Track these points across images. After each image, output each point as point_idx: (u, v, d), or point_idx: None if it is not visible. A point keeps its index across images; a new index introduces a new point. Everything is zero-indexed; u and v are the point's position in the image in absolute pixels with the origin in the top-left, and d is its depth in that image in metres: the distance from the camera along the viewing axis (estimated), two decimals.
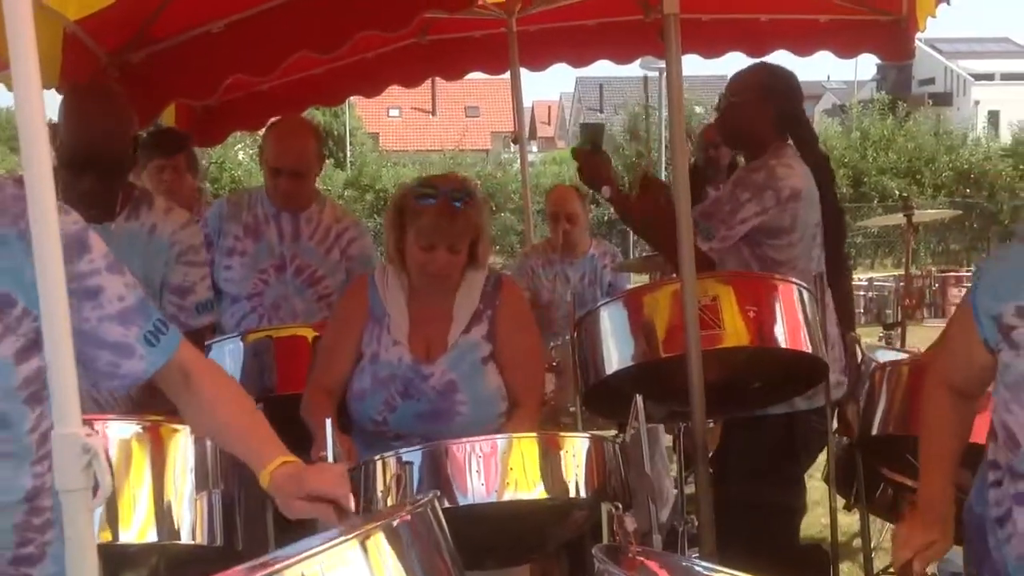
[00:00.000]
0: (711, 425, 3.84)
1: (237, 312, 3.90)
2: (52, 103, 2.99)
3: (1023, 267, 2.09)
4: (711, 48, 5.49)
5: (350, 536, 1.50)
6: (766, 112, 3.56)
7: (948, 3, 4.60)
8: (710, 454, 3.43)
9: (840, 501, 3.71)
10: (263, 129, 5.90)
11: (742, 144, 3.78)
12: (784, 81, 3.66)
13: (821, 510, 4.64)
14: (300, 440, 3.26)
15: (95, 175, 2.99)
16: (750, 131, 3.61)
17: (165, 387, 1.94)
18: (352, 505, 1.81)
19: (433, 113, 51.34)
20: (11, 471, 1.76)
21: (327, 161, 28.15)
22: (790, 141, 3.62)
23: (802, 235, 3.51)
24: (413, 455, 2.50)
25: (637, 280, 6.64)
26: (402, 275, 3.05)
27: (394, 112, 49.74)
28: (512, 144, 36.12)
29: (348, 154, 34.89)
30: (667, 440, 5.03)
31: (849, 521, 4.66)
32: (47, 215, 1.31)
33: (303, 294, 3.90)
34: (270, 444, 1.88)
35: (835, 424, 3.55)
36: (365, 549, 1.52)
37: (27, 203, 1.32)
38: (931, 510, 2.20)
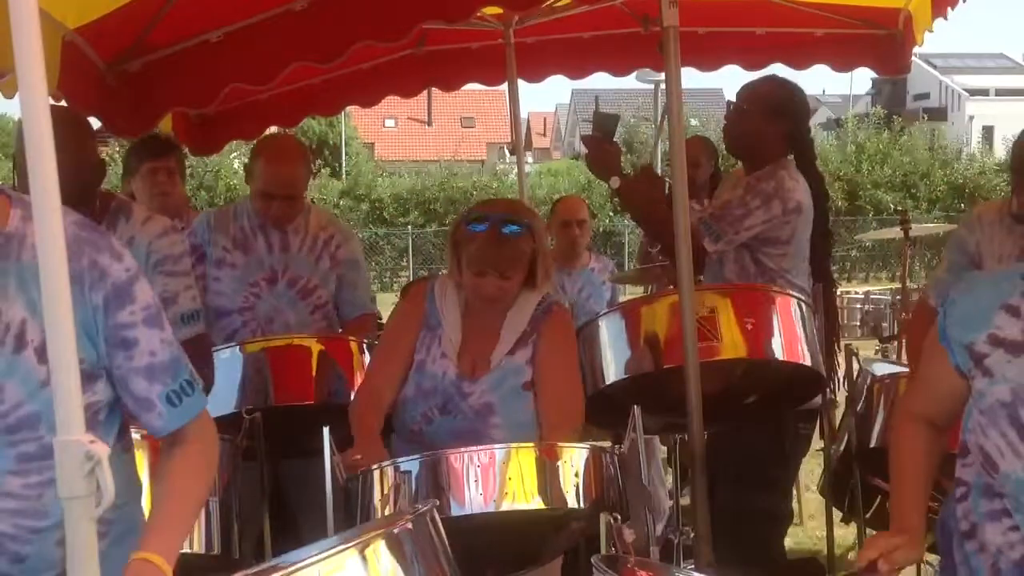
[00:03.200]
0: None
1: (228, 326, 3.84)
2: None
3: (992, 297, 2.12)
4: (708, 61, 5.50)
5: (350, 544, 1.50)
6: (777, 128, 3.58)
7: (945, 18, 4.62)
8: None
9: (836, 514, 3.72)
10: (259, 137, 5.92)
11: (745, 153, 3.77)
12: (797, 99, 3.69)
13: (816, 523, 4.64)
14: (297, 443, 3.28)
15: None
16: (756, 143, 3.62)
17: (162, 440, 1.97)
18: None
19: (429, 123, 51.40)
20: (55, 496, 1.76)
21: (323, 171, 27.98)
22: (790, 157, 3.64)
23: (796, 249, 3.54)
24: (411, 464, 2.50)
25: (633, 291, 6.65)
26: (460, 290, 3.06)
27: (390, 122, 49.77)
28: (509, 154, 36.14)
29: (343, 164, 34.88)
30: (662, 452, 5.04)
31: (843, 534, 4.67)
32: (52, 227, 1.32)
33: (296, 306, 3.87)
34: (157, 537, 1.84)
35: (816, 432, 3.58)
36: (364, 557, 1.53)
37: (33, 215, 1.33)
38: (901, 519, 2.22)
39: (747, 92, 3.68)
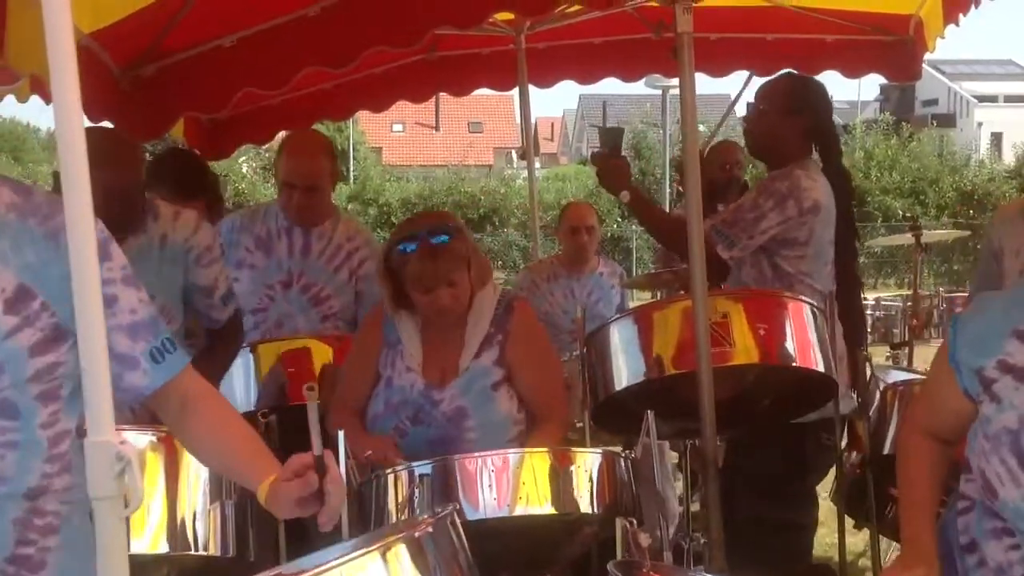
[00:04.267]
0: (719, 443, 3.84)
1: None
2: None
3: (1002, 322, 2.09)
4: (718, 67, 5.50)
5: (372, 547, 1.50)
6: (796, 124, 3.56)
7: (957, 24, 4.62)
8: None
9: (848, 521, 3.71)
10: (270, 143, 5.93)
11: (766, 154, 3.74)
12: (815, 93, 3.66)
13: (828, 529, 4.63)
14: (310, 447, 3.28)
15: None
16: (776, 142, 3.60)
17: (161, 412, 1.96)
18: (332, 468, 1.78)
19: (437, 128, 51.43)
20: (15, 463, 1.76)
21: None
22: (815, 155, 3.62)
23: (816, 251, 3.52)
24: (425, 468, 2.50)
25: (642, 297, 6.65)
26: (414, 314, 3.07)
27: (398, 127, 49.82)
28: (519, 159, 36.15)
29: (352, 168, 34.93)
30: (673, 457, 5.04)
31: (855, 540, 4.66)
32: (85, 226, 1.33)
33: (308, 312, 3.89)
34: (266, 460, 1.89)
35: (844, 440, 3.55)
36: (386, 560, 1.53)
37: (64, 214, 1.34)
38: (913, 548, 2.20)
39: (763, 91, 3.68)
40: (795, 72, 3.81)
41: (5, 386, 1.75)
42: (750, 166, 6.16)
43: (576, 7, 4.73)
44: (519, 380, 3.05)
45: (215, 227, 4.10)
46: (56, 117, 1.31)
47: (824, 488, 3.93)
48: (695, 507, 4.41)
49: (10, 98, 4.09)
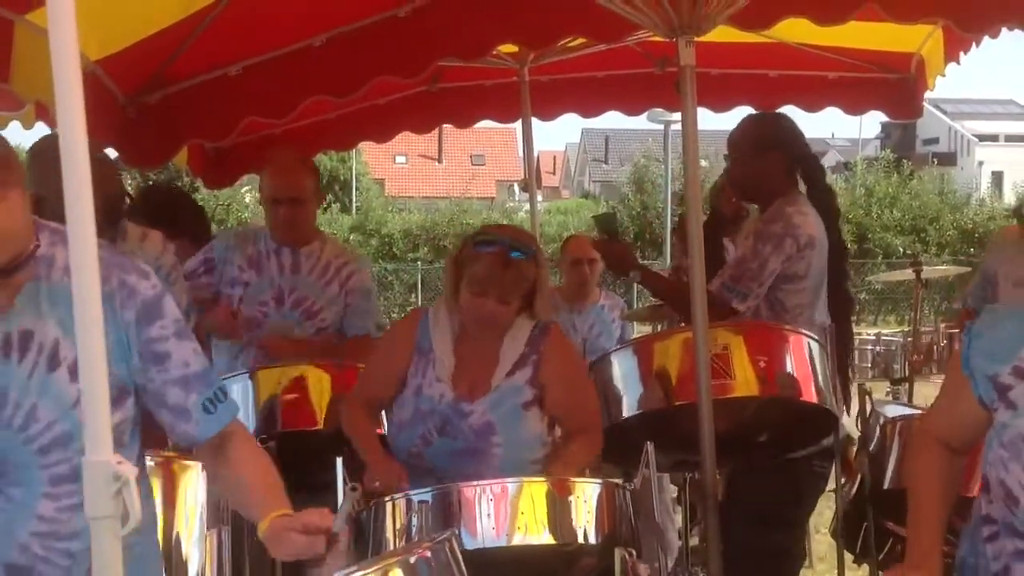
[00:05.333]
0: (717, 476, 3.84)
1: (236, 343, 3.91)
2: None
3: (1017, 330, 2.12)
4: (720, 101, 5.53)
5: (370, 570, 1.50)
6: (770, 162, 3.60)
7: (958, 62, 4.66)
8: None
9: (848, 556, 3.70)
10: None
11: (754, 196, 3.81)
12: (779, 126, 3.71)
13: (827, 565, 4.61)
14: (309, 475, 3.28)
15: None
16: (759, 183, 3.64)
17: (203, 450, 2.02)
18: (344, 541, 1.83)
19: (439, 160, 51.60)
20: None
21: (333, 205, 27.90)
22: (800, 186, 3.65)
23: (813, 283, 3.54)
24: (424, 496, 2.50)
25: (642, 330, 6.65)
26: (453, 316, 3.09)
27: (400, 159, 49.98)
28: (521, 191, 36.18)
29: (354, 199, 35.01)
30: (672, 491, 5.02)
31: None
32: (86, 250, 1.34)
33: (302, 326, 3.93)
34: (276, 497, 1.94)
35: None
36: None
37: (68, 237, 1.36)
38: (919, 551, 2.21)
39: (731, 141, 3.77)
40: (754, 113, 3.86)
41: (75, 453, 1.77)
42: None
43: (579, 40, 4.77)
44: (553, 398, 3.04)
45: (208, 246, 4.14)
46: (61, 145, 1.32)
47: (823, 524, 3.92)
48: (694, 541, 4.40)
49: (15, 124, 4.11)
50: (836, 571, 3.67)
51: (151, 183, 5.36)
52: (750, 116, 3.82)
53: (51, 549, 1.82)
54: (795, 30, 4.59)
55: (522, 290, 2.99)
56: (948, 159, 47.70)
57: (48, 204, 2.92)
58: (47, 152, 3.26)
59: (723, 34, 3.74)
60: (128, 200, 3.93)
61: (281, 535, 1.84)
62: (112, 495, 1.29)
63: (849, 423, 3.68)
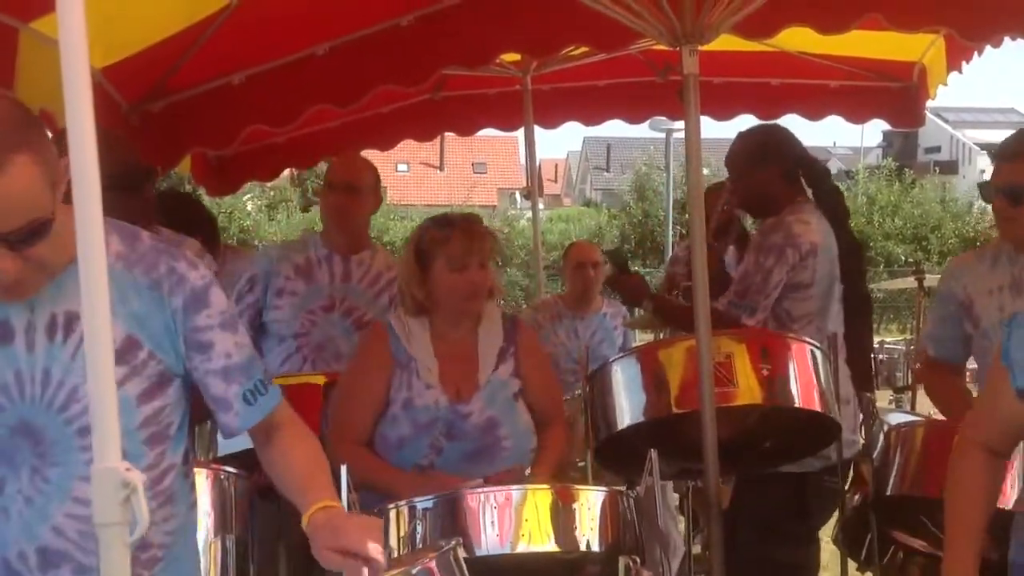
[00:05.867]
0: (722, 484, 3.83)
1: (282, 351, 3.91)
2: None
3: None
4: (723, 110, 5.55)
5: None
6: (770, 174, 3.62)
7: (960, 71, 4.67)
8: None
9: (851, 564, 3.69)
10: (275, 180, 5.97)
11: (758, 209, 3.83)
12: (772, 137, 3.73)
13: (831, 574, 4.60)
14: None
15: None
16: (763, 197, 3.66)
17: (254, 437, 2.04)
18: (385, 560, 1.80)
19: (441, 169, 51.61)
20: None
21: None
22: (807, 192, 3.66)
23: (822, 290, 3.54)
24: (427, 504, 2.50)
25: (644, 337, 6.65)
26: (422, 319, 3.09)
27: (402, 167, 49.96)
28: (523, 199, 36.16)
29: None
30: (674, 499, 5.02)
31: None
32: (95, 249, 1.34)
33: (350, 336, 3.89)
34: (318, 487, 1.94)
35: (848, 482, 3.54)
36: None
37: (76, 235, 1.36)
38: (954, 568, 2.19)
39: (728, 161, 3.78)
40: (746, 129, 3.87)
41: None
42: None
43: (582, 49, 4.79)
44: (530, 390, 3.14)
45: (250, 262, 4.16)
46: (71, 151, 1.33)
47: (826, 532, 3.91)
48: (696, 549, 4.39)
49: None
50: None
51: (162, 189, 5.32)
52: (743, 132, 3.83)
53: (86, 534, 1.79)
54: (797, 39, 4.60)
55: (492, 253, 3.12)
56: (950, 167, 47.71)
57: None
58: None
59: (725, 43, 3.75)
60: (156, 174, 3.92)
61: (320, 548, 1.83)
62: (120, 502, 1.29)
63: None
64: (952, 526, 2.26)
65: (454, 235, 3.04)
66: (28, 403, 1.81)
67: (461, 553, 1.77)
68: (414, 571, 1.64)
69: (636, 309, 4.58)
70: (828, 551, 4.23)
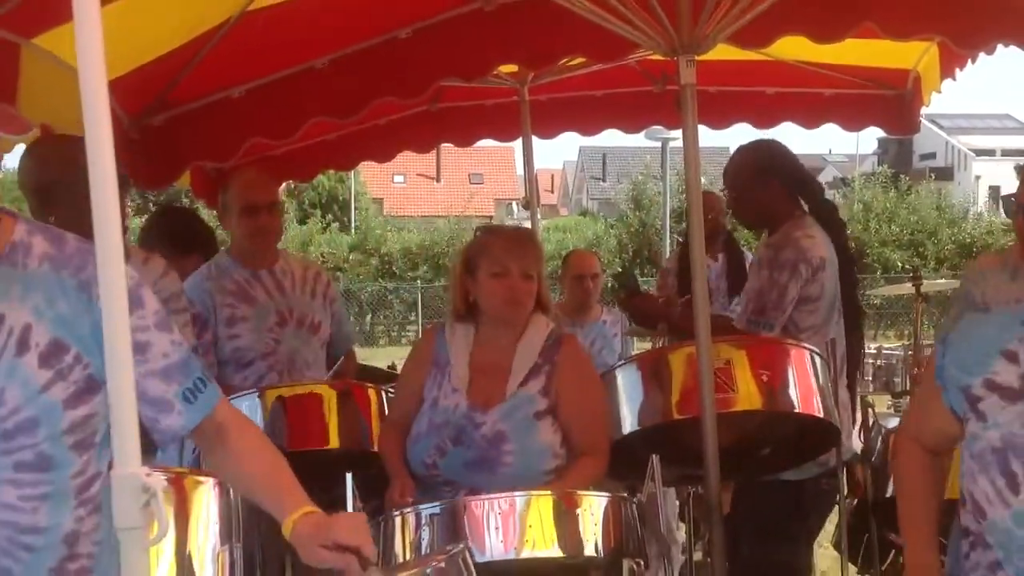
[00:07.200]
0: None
1: (253, 374, 3.90)
2: None
3: (991, 342, 2.11)
4: (719, 119, 5.57)
5: None
6: (769, 189, 3.65)
7: (954, 79, 4.70)
8: None
9: (851, 569, 3.71)
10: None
11: (758, 223, 3.88)
12: (770, 152, 3.75)
13: None
14: (316, 493, 3.30)
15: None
16: (763, 212, 3.70)
17: (199, 442, 2.00)
18: (374, 555, 1.83)
19: (438, 180, 51.65)
20: (48, 514, 1.79)
21: (332, 225, 27.72)
22: (804, 206, 3.69)
23: (827, 303, 3.59)
24: (432, 510, 2.52)
25: (643, 345, 6.67)
26: (468, 326, 3.15)
27: (399, 178, 49.99)
28: (521, 209, 36.09)
29: (353, 219, 35.05)
30: (675, 505, 5.03)
31: None
32: (114, 261, 1.37)
33: (310, 344, 3.97)
34: (294, 494, 1.91)
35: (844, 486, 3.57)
36: None
37: (95, 248, 1.37)
38: (915, 565, 2.22)
39: (726, 178, 3.81)
40: (742, 145, 3.90)
41: (40, 440, 1.76)
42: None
43: (579, 59, 4.81)
44: (563, 411, 3.06)
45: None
46: (89, 160, 1.35)
47: (826, 537, 3.93)
48: (698, 555, 4.41)
49: (21, 148, 4.14)
50: None
51: (165, 204, 5.35)
52: (743, 147, 3.86)
53: (12, 540, 1.77)
54: (793, 48, 4.63)
55: (538, 265, 3.11)
56: (945, 174, 47.80)
57: (60, 187, 2.94)
58: (40, 146, 3.27)
59: (721, 52, 3.78)
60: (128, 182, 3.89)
61: (310, 547, 1.82)
62: (141, 507, 1.31)
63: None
64: (905, 527, 2.30)
65: (497, 241, 3.11)
66: None
67: (470, 557, 1.78)
68: (427, 571, 1.65)
69: None
70: (828, 556, 4.25)
